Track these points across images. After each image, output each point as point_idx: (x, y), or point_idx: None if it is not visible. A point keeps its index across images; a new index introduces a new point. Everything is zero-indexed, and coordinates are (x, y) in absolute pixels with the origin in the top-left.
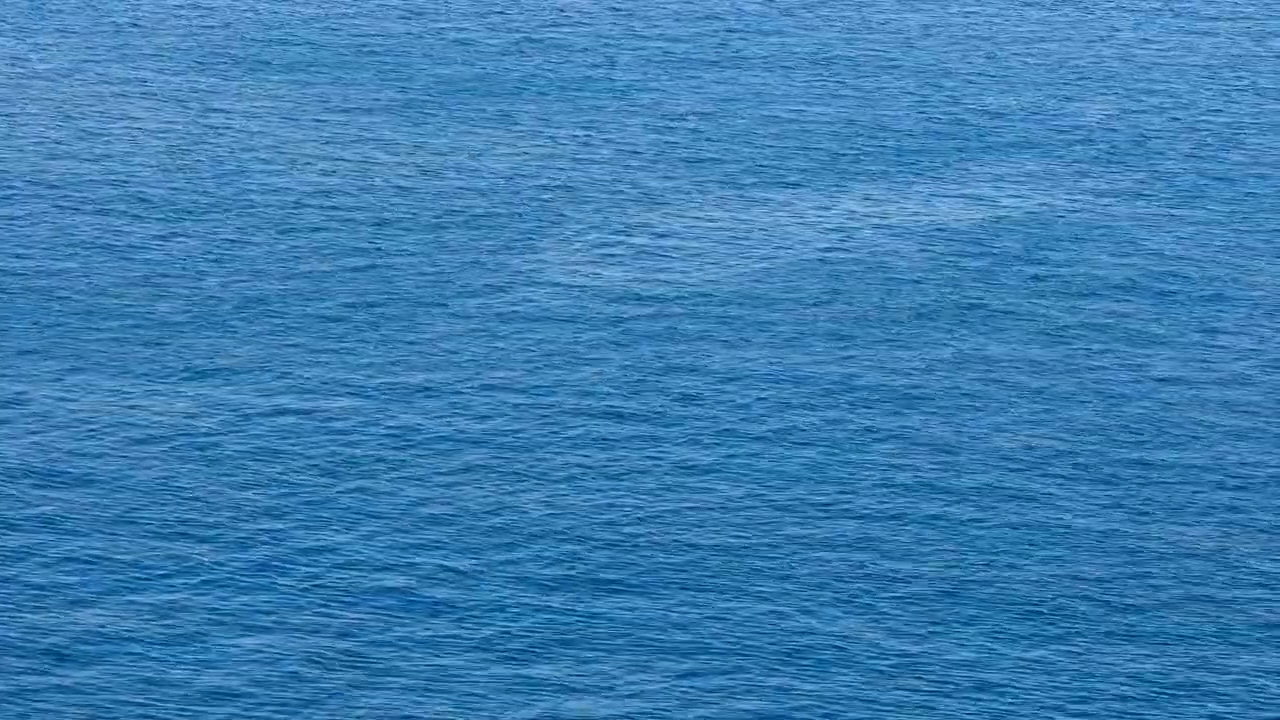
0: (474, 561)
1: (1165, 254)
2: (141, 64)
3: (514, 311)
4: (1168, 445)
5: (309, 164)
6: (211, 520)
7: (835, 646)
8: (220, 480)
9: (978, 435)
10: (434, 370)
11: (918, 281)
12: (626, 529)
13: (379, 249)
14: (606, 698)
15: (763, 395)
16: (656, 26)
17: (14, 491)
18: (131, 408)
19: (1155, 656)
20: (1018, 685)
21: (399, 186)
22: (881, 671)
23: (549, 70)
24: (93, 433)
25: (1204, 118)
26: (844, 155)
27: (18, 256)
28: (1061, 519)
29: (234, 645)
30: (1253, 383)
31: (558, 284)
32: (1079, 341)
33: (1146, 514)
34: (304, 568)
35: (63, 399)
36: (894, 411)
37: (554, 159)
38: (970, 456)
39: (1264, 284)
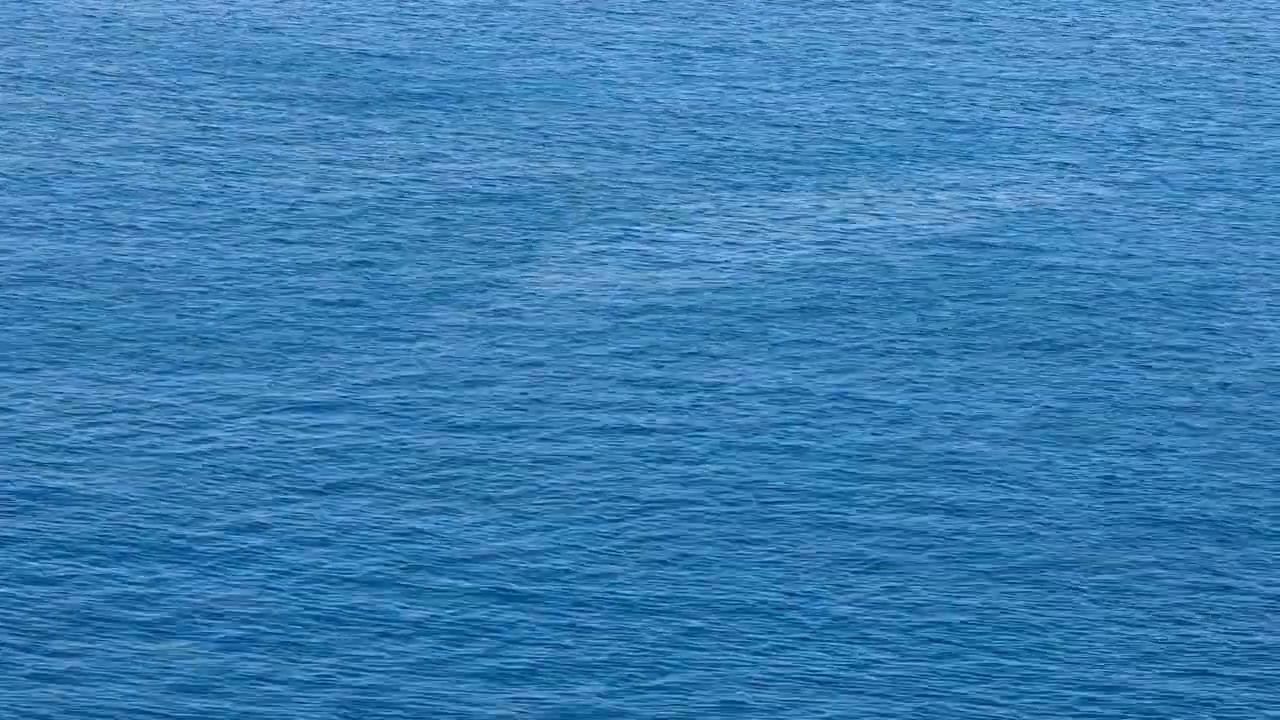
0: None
1: (1162, 253)
2: (135, 63)
3: (508, 314)
4: (1169, 447)
5: (303, 165)
6: (198, 527)
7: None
8: (212, 485)
9: (978, 437)
10: (428, 373)
11: (914, 283)
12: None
13: (373, 250)
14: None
15: (761, 400)
16: (651, 26)
17: None
18: (123, 410)
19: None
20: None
21: (394, 188)
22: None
23: (544, 70)
24: (80, 434)
25: (1200, 117)
26: (839, 155)
27: (8, 256)
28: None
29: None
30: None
31: (553, 286)
32: (1077, 342)
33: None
34: (295, 573)
35: (53, 400)
36: (893, 418)
37: (549, 160)
38: (972, 459)
39: (1262, 281)
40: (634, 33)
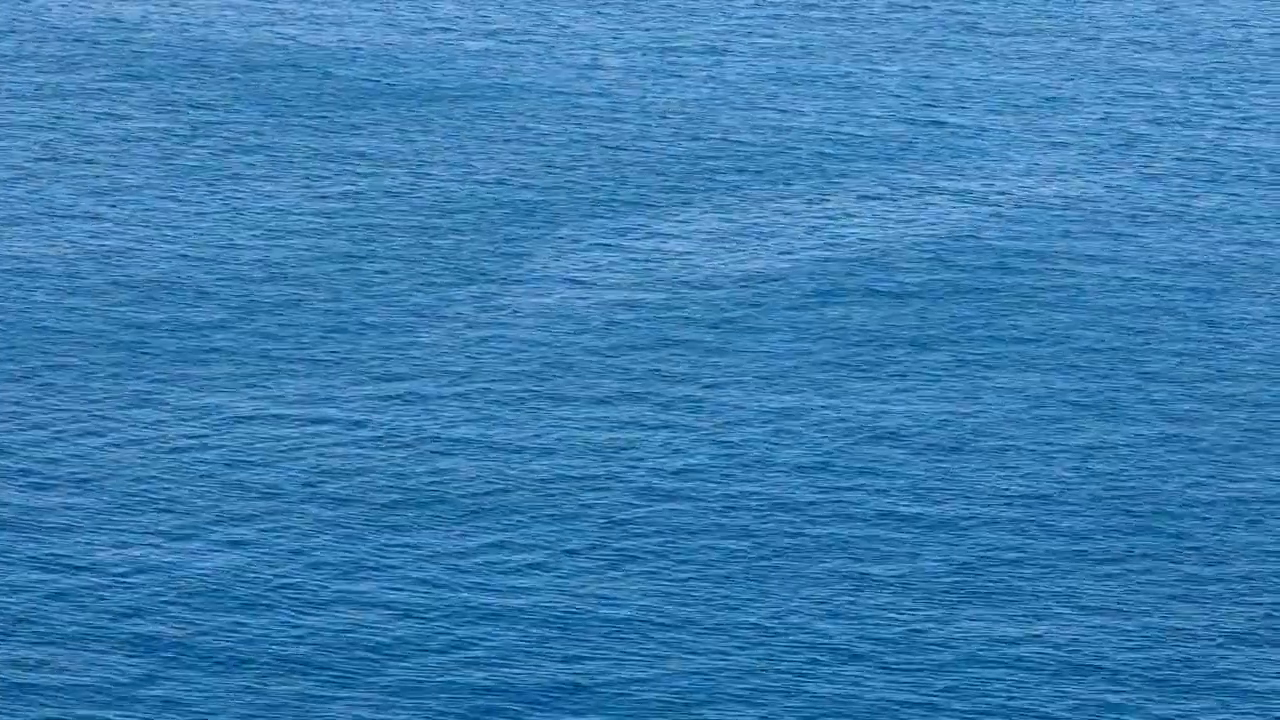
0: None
1: (1158, 254)
2: (127, 68)
3: (501, 318)
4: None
5: (295, 166)
6: (189, 528)
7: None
8: (202, 490)
9: (978, 441)
10: (421, 377)
11: (909, 284)
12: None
13: (367, 253)
14: None
15: (756, 410)
16: (644, 26)
17: None
18: (111, 415)
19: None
20: None
21: (387, 190)
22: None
23: (536, 71)
24: (71, 439)
25: (1194, 117)
26: (832, 156)
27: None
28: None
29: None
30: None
31: (547, 288)
32: (1075, 343)
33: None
34: (280, 578)
35: (43, 404)
36: (890, 421)
37: (542, 161)
38: (972, 465)
39: (1256, 283)
40: (628, 33)
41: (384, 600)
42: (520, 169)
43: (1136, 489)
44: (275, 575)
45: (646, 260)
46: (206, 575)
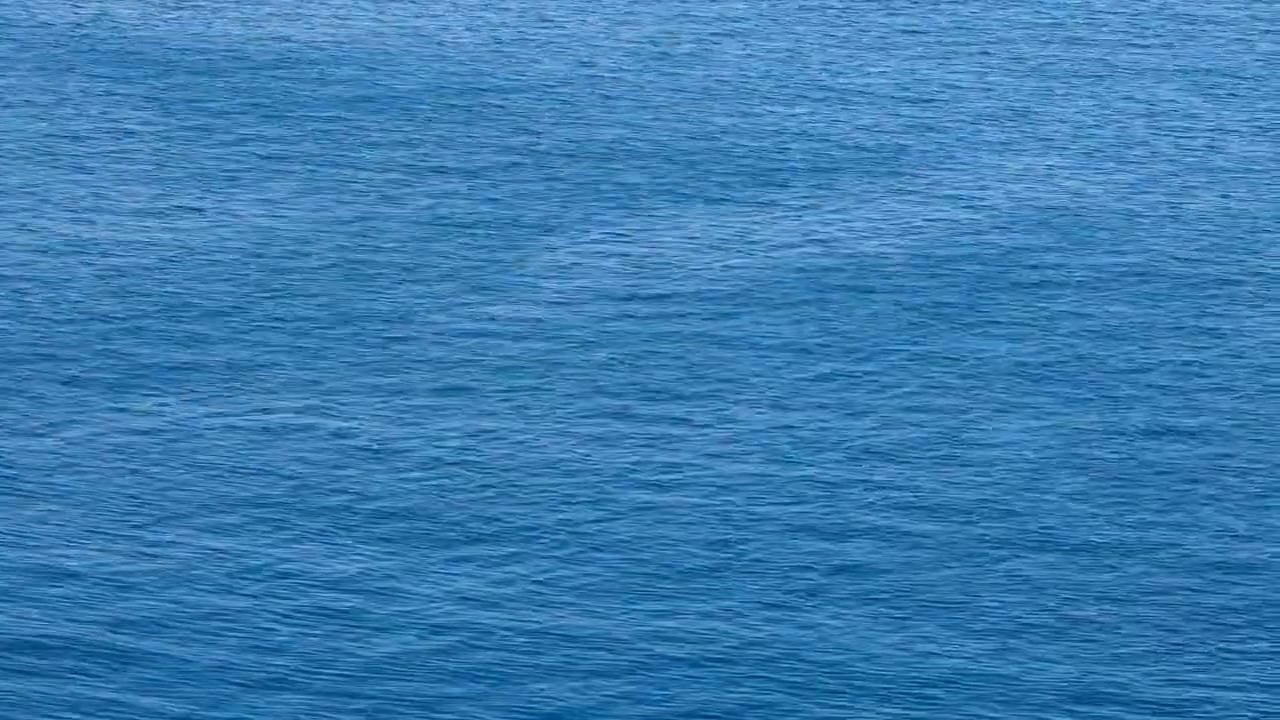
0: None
1: (1154, 254)
2: (118, 71)
3: (492, 322)
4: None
5: (290, 166)
6: (175, 532)
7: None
8: (189, 494)
9: (977, 441)
10: (415, 381)
11: (903, 287)
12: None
13: (363, 254)
14: None
15: (750, 409)
16: (637, 26)
17: None
18: (96, 418)
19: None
20: None
21: (382, 192)
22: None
23: (529, 71)
24: (60, 443)
25: (1189, 119)
26: (823, 158)
27: None
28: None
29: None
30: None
31: (540, 291)
32: (1073, 342)
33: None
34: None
35: (32, 408)
36: (886, 425)
37: (536, 162)
38: (970, 468)
39: (1254, 283)
40: (622, 32)
41: (368, 620)
42: (514, 169)
43: (1124, 484)
44: (262, 586)
45: (641, 261)
46: (196, 583)
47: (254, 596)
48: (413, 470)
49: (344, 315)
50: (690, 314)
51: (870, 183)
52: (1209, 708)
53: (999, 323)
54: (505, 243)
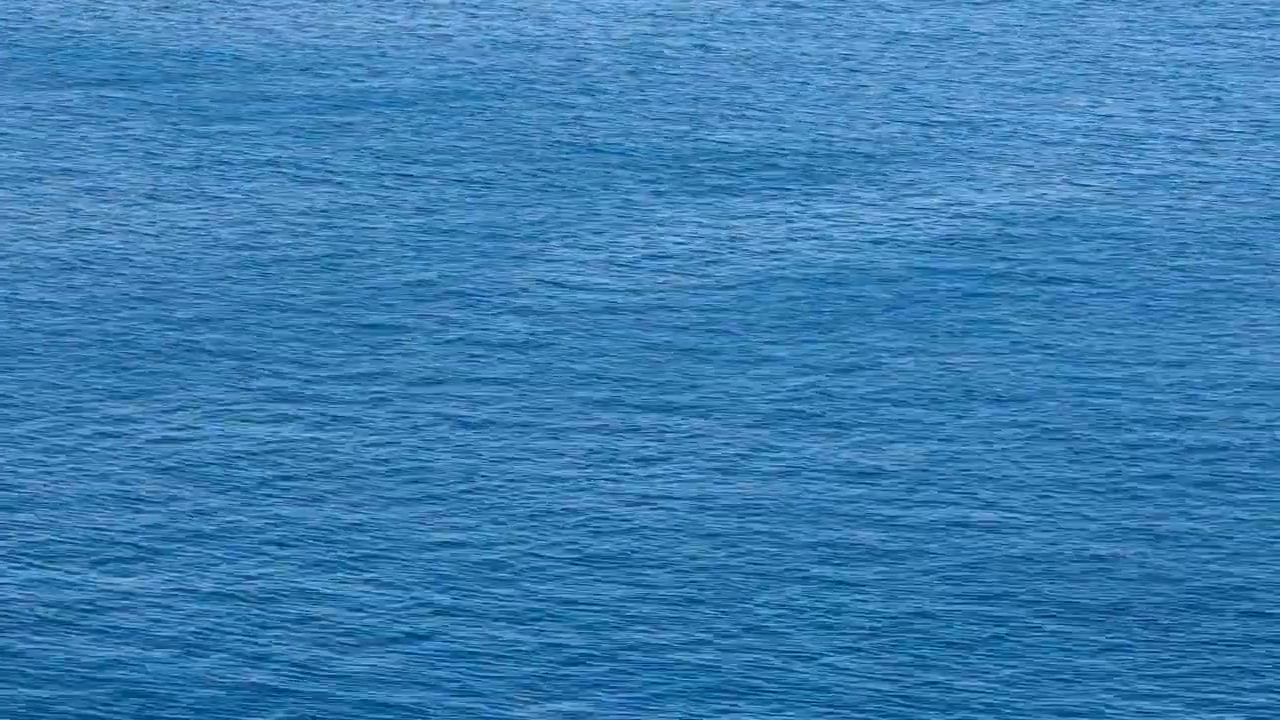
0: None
1: (1150, 255)
2: (113, 73)
3: (487, 327)
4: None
5: (286, 166)
6: (168, 534)
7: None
8: (178, 496)
9: (975, 442)
10: (410, 385)
11: (899, 289)
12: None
13: (354, 256)
14: None
15: (748, 413)
16: (630, 27)
17: None
18: (90, 425)
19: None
20: None
21: (374, 195)
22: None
23: (521, 71)
24: (50, 451)
25: (1184, 121)
26: (818, 161)
27: None
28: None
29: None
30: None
31: (534, 295)
32: (1070, 344)
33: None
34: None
35: (25, 415)
36: (882, 424)
37: (529, 163)
38: (965, 471)
39: (1253, 283)
40: (617, 32)
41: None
42: (507, 170)
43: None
44: (257, 589)
45: (636, 263)
46: (186, 586)
47: (236, 610)
48: (399, 480)
49: (335, 318)
50: (683, 317)
51: (868, 183)
52: None
53: (995, 327)
54: (498, 246)
